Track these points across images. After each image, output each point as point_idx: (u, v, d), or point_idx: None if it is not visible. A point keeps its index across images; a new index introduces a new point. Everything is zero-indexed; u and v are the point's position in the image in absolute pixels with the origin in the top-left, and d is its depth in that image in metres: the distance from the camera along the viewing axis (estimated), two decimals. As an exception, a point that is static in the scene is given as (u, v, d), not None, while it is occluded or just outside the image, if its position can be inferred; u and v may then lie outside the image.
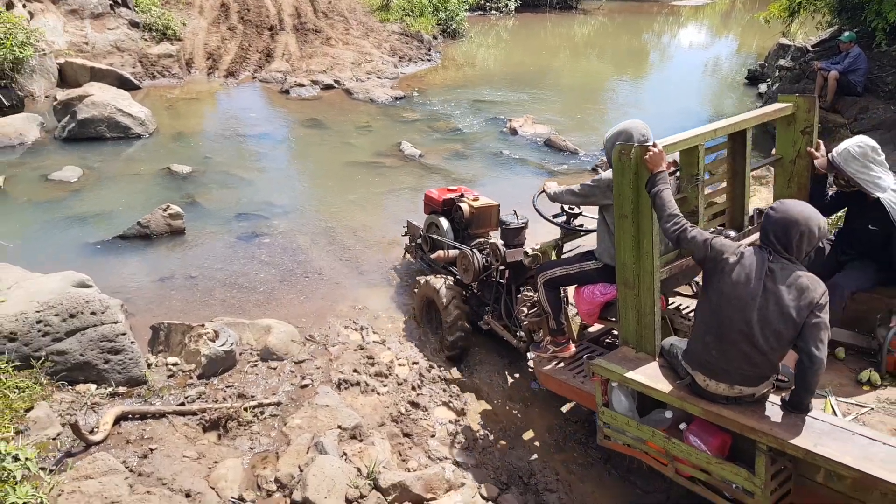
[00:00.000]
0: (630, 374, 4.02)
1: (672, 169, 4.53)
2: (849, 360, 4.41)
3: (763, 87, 16.84)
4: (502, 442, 5.18)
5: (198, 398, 5.08)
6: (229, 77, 17.19)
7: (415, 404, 5.39)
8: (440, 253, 6.78)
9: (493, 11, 30.81)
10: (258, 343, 5.88)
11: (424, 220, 7.37)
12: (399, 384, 5.62)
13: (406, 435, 5.04)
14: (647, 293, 4.08)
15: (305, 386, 5.40)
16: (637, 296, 4.13)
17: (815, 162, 4.84)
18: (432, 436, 5.10)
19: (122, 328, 5.22)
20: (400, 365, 5.90)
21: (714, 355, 3.66)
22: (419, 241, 7.42)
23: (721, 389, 3.69)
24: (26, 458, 3.93)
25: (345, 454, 4.58)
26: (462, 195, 7.12)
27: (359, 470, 4.43)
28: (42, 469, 4.03)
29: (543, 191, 5.26)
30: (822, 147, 4.90)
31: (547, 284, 5.02)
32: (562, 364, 5.07)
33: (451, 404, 5.48)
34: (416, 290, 6.60)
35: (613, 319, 4.76)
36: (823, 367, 3.47)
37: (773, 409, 3.66)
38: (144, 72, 16.46)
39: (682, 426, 3.89)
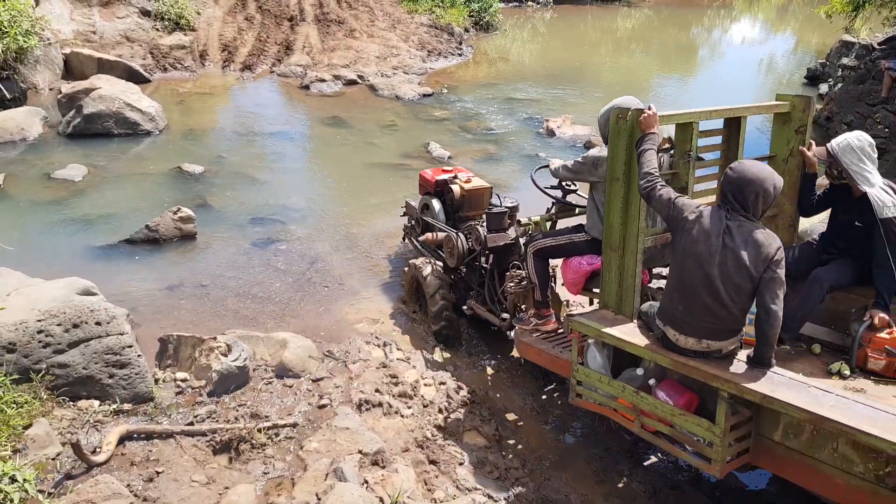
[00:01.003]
0: (606, 329, 4.57)
1: (667, 145, 4.99)
2: (824, 356, 4.74)
3: (824, 88, 16.63)
4: (538, 472, 5.11)
5: (208, 417, 5.06)
6: (245, 71, 17.35)
7: (442, 429, 5.35)
8: (429, 235, 7.17)
9: (530, 3, 30.81)
10: (273, 358, 5.87)
11: (419, 200, 7.73)
12: (425, 406, 5.57)
13: (432, 462, 4.99)
14: (630, 256, 4.64)
15: (323, 406, 5.37)
16: (621, 258, 4.69)
17: (809, 153, 5.24)
18: (461, 464, 5.05)
19: (128, 340, 5.23)
20: (426, 385, 5.86)
21: (680, 310, 4.17)
22: (413, 222, 7.81)
23: (690, 344, 4.18)
24: (24, 480, 3.94)
25: (366, 482, 4.54)
26: (455, 176, 7.43)
27: (381, 500, 4.38)
28: (41, 492, 4.04)
29: (547, 166, 5.86)
30: (814, 146, 5.29)
31: (537, 254, 5.56)
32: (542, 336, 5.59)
33: (481, 429, 5.42)
34: (405, 271, 7.05)
35: (597, 291, 5.22)
36: (779, 321, 3.97)
37: (739, 364, 4.16)
38: (155, 64, 16.65)
39: (652, 382, 4.41)
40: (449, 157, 11.70)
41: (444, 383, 5.90)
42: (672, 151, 4.97)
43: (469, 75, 18.41)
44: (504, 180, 10.76)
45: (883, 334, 4.43)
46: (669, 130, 5.03)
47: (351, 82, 16.81)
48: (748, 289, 4.00)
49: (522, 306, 5.90)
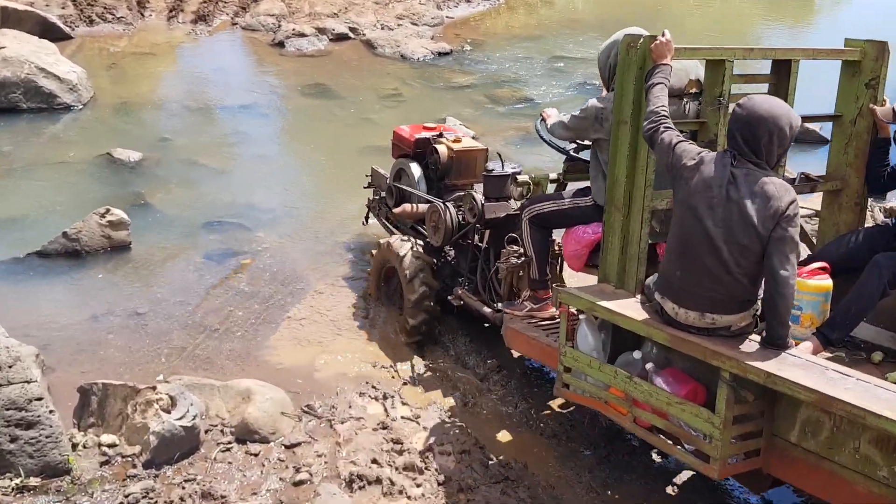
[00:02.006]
0: (599, 302, 4.96)
1: (695, 90, 5.46)
2: (885, 366, 5.02)
3: None
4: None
5: (143, 497, 5.04)
6: (199, 23, 17.49)
7: (464, 515, 5.32)
8: (406, 207, 7.55)
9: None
10: (233, 416, 5.87)
11: (392, 165, 8.08)
12: (440, 483, 5.55)
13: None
14: (636, 217, 5.04)
15: (301, 483, 5.35)
16: (625, 219, 5.07)
17: (879, 113, 5.56)
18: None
19: (37, 390, 5.23)
20: (442, 454, 5.84)
21: (679, 276, 4.55)
22: (384, 193, 8.13)
23: (691, 319, 4.54)
24: None
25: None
26: (441, 134, 7.79)
27: None
28: None
29: (542, 118, 6.35)
30: (888, 104, 5.61)
31: (533, 221, 6.05)
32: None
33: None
34: (373, 254, 7.49)
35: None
36: (791, 288, 4.34)
37: (751, 344, 4.48)
38: (78, 15, 16.80)
39: (650, 366, 4.71)
40: (473, 138, 11.68)
41: (466, 451, 5.87)
42: (701, 97, 5.38)
43: (501, 26, 18.45)
44: (550, 170, 10.70)
45: None
46: (699, 72, 5.45)
47: (340, 37, 16.91)
48: (756, 250, 4.35)
49: (517, 288, 6.36)
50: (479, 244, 6.94)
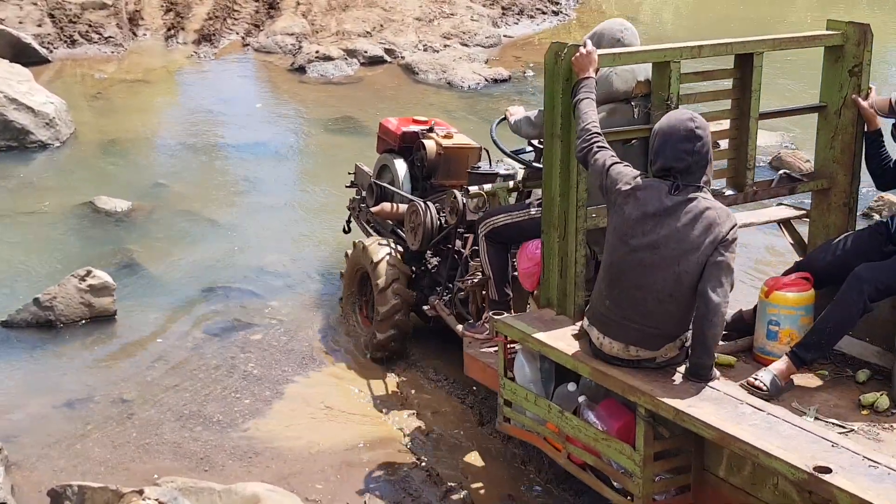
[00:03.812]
0: (530, 331, 5.61)
1: (645, 91, 6.13)
2: (872, 384, 5.60)
3: None
4: None
5: None
6: (203, 43, 17.65)
7: None
8: (385, 206, 8.15)
9: (674, -76, 31.02)
10: (236, 527, 5.88)
11: (376, 161, 8.76)
12: None
13: None
14: (572, 237, 5.64)
15: None
16: (562, 240, 5.70)
17: (864, 103, 6.11)
18: None
19: (-1, 493, 5.29)
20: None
21: (608, 305, 5.17)
22: (364, 193, 8.79)
23: (616, 350, 5.17)
24: None
25: None
26: (431, 129, 8.36)
27: None
28: None
29: (505, 117, 6.93)
30: (874, 93, 6.15)
31: (489, 237, 6.70)
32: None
33: None
34: (347, 255, 8.15)
35: None
36: (721, 316, 4.97)
37: (676, 376, 5.14)
38: (57, 34, 16.97)
39: (582, 399, 5.40)
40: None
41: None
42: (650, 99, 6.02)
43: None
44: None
45: None
46: (649, 73, 6.08)
47: (374, 60, 16.96)
48: (692, 278, 4.96)
49: (483, 306, 6.92)
50: (462, 250, 7.43)
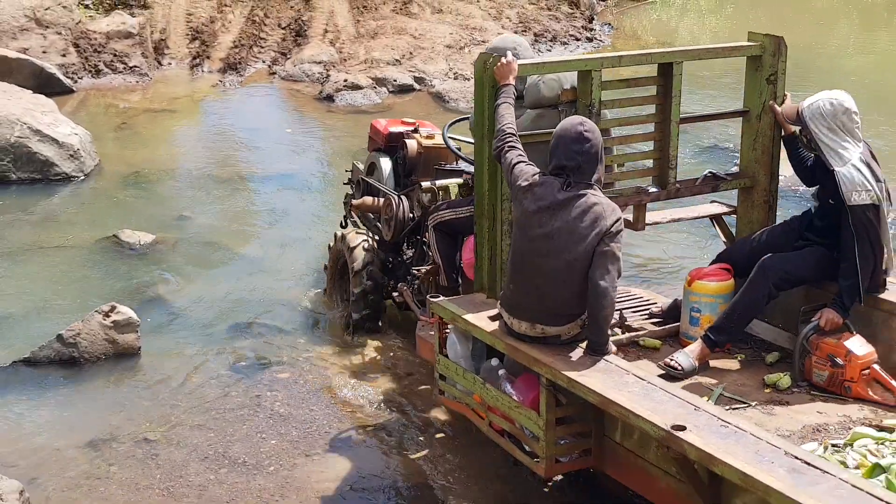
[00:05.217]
0: (459, 312, 6.49)
1: (571, 98, 6.91)
2: (780, 366, 6.49)
3: None
4: None
5: None
6: (228, 72, 17.76)
7: None
8: (367, 199, 8.99)
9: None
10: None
11: (366, 159, 9.66)
12: None
13: None
14: (499, 227, 6.47)
15: None
16: (491, 230, 6.53)
17: (779, 110, 6.89)
18: None
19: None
20: None
21: (511, 289, 6.04)
22: (353, 188, 9.71)
23: (523, 329, 5.98)
24: None
25: None
26: (416, 129, 9.24)
27: None
28: None
29: (466, 118, 7.93)
30: (788, 99, 6.95)
31: (438, 227, 7.74)
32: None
33: None
34: (330, 246, 9.19)
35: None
36: (609, 299, 5.78)
37: (576, 351, 5.92)
38: (82, 63, 17.11)
39: (501, 372, 6.24)
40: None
41: None
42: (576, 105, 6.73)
43: (606, 73, 18.42)
44: (675, 268, 10.50)
45: (830, 339, 6.02)
46: (574, 80, 6.80)
47: (403, 88, 17.05)
48: (582, 266, 5.77)
49: (438, 293, 7.49)
50: (426, 241, 8.23)
